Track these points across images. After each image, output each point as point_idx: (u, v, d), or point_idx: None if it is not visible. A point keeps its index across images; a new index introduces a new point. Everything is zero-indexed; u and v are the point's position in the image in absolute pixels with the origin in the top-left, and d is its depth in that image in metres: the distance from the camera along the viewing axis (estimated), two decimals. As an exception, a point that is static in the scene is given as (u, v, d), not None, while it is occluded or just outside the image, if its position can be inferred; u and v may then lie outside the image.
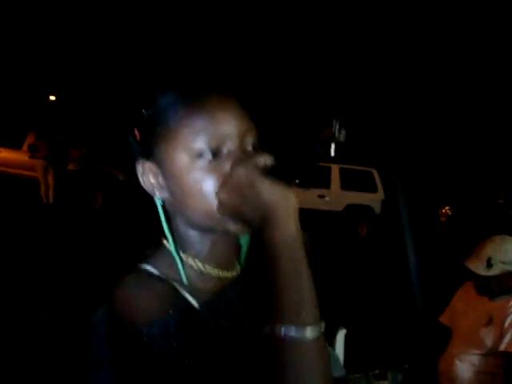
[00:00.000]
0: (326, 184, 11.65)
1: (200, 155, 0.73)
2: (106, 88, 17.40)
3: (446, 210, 8.02)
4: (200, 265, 0.80)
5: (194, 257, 0.80)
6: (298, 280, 0.65)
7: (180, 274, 0.78)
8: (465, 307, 2.59)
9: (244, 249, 0.89)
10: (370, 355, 3.23)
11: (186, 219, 0.79)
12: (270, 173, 0.68)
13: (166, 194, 0.79)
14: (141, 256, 0.82)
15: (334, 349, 3.03)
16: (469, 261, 2.45)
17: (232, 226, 0.75)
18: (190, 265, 0.80)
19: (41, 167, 10.26)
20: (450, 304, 2.74)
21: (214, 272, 0.81)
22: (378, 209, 11.07)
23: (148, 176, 0.79)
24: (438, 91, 16.56)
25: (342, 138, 0.68)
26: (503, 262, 2.35)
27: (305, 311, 0.64)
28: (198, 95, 0.77)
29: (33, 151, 10.38)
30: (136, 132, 0.81)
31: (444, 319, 2.72)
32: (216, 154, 0.74)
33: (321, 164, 11.71)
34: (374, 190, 11.31)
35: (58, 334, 3.73)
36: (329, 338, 3.05)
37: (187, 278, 0.78)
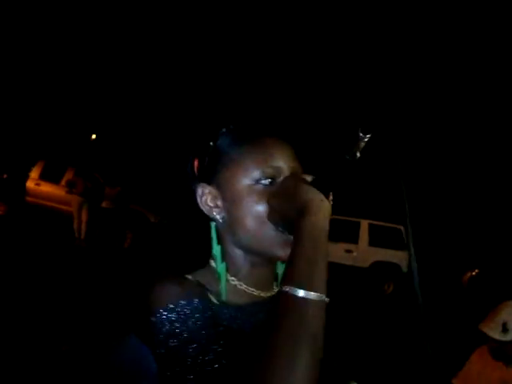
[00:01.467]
0: (354, 239, 11.58)
1: (258, 181, 0.89)
2: (144, 127, 17.92)
3: (473, 273, 7.86)
4: (237, 281, 0.93)
5: (235, 275, 0.93)
6: (315, 255, 0.74)
7: (220, 287, 0.91)
8: (479, 372, 2.57)
9: (280, 276, 0.99)
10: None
11: (235, 240, 0.92)
12: (311, 184, 0.83)
13: (222, 215, 0.92)
14: (185, 270, 0.95)
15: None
16: (484, 325, 2.44)
17: (279, 251, 0.87)
18: (229, 280, 0.93)
19: (76, 203, 10.59)
20: (464, 367, 2.71)
21: (249, 290, 0.93)
22: (405, 267, 10.92)
23: (207, 198, 0.93)
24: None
25: (365, 140, 0.79)
26: None
27: (314, 280, 0.72)
28: (258, 134, 0.94)
29: (70, 187, 10.76)
30: (196, 162, 0.97)
31: (457, 382, 2.69)
32: (272, 182, 0.89)
33: (350, 219, 11.70)
34: (402, 247, 11.16)
35: (77, 366, 3.79)
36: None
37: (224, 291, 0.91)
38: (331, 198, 0.84)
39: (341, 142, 0.83)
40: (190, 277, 0.92)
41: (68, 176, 11.59)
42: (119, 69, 18.96)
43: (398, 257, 11.11)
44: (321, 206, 0.78)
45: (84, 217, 10.66)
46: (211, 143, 0.95)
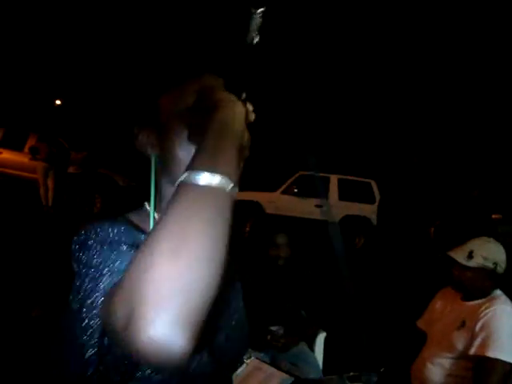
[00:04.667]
0: (324, 194, 11.68)
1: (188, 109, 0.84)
2: (107, 92, 17.52)
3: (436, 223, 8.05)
4: None
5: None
6: (221, 144, 0.67)
7: (150, 227, 0.88)
8: (440, 312, 2.63)
9: None
10: (348, 358, 3.25)
11: (170, 176, 0.89)
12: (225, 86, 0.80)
13: (157, 152, 0.91)
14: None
15: (313, 351, 3.06)
16: (451, 251, 2.48)
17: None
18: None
19: (41, 169, 10.33)
20: (427, 309, 2.77)
21: None
22: (375, 220, 11.10)
23: (143, 137, 0.92)
24: (423, 97, 16.65)
25: (259, 18, 0.74)
26: (484, 258, 2.38)
27: (219, 164, 0.64)
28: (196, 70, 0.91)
29: (34, 153, 10.47)
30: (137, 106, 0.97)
31: (421, 324, 2.75)
32: None
33: (319, 174, 11.78)
34: (372, 201, 11.31)
35: (47, 331, 3.76)
36: (309, 340, 3.09)
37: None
38: (244, 96, 0.79)
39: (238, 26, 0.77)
40: (121, 218, 0.89)
41: (31, 142, 11.26)
42: (81, 34, 18.33)
43: (368, 210, 11.26)
44: (229, 104, 0.73)
45: (50, 183, 10.42)
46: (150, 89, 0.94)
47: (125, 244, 0.79)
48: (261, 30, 0.74)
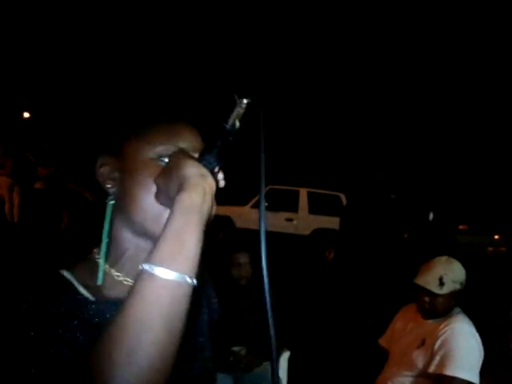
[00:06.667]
0: (294, 207, 11.73)
1: (160, 157, 0.85)
2: (77, 107, 17.34)
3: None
4: (115, 272, 0.88)
5: (115, 262, 0.88)
6: (184, 233, 0.69)
7: (98, 280, 0.86)
8: (402, 330, 2.64)
9: None
10: (311, 377, 3.24)
11: (125, 217, 0.87)
12: (198, 160, 0.78)
13: (115, 188, 0.89)
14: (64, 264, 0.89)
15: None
16: (420, 279, 2.48)
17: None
18: (109, 273, 0.88)
19: (6, 185, 10.12)
20: (389, 326, 2.79)
21: (128, 282, 0.87)
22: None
23: (105, 168, 0.90)
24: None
25: (242, 108, 0.76)
26: (453, 281, 2.42)
27: (177, 259, 0.67)
28: (167, 114, 0.92)
29: (-2, 168, 10.25)
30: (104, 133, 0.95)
31: (382, 342, 2.77)
32: None
33: (289, 188, 11.84)
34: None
35: None
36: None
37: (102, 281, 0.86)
38: (219, 172, 0.80)
39: (220, 110, 0.79)
40: (64, 272, 0.85)
41: (-5, 157, 11.02)
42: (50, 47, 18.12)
43: (337, 223, 11.32)
44: (199, 182, 0.73)
45: (16, 199, 10.22)
46: (120, 114, 0.94)
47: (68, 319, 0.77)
48: (243, 120, 0.75)
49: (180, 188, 0.72)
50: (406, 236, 5.35)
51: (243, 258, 2.92)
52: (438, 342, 2.30)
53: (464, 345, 2.27)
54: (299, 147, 17.07)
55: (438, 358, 2.27)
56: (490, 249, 12.73)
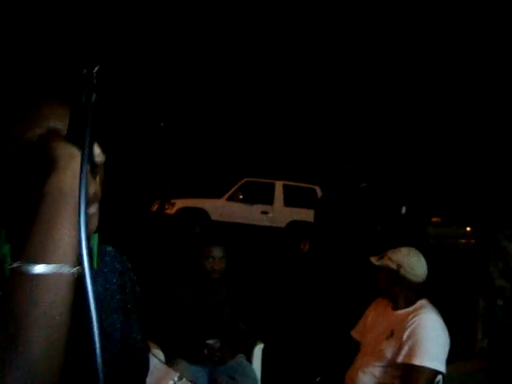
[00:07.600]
0: (270, 200, 11.78)
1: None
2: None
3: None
4: None
5: None
6: (55, 221, 0.65)
7: None
8: (373, 321, 2.70)
9: (95, 249, 0.90)
10: (285, 369, 3.29)
11: None
12: (66, 137, 0.73)
13: None
14: None
15: (251, 363, 3.08)
16: (380, 261, 2.60)
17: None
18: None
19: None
20: (361, 318, 2.84)
21: None
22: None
23: None
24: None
25: (92, 78, 0.72)
26: (390, 259, 2.53)
27: (49, 250, 0.63)
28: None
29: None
30: None
31: (354, 333, 2.82)
32: None
33: (264, 181, 11.87)
34: (317, 206, 11.47)
35: None
36: (247, 352, 3.10)
37: None
38: (93, 147, 0.72)
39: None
40: None
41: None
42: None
43: (312, 216, 11.41)
44: (69, 163, 0.68)
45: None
46: None
47: None
48: (99, 88, 0.71)
49: (49, 172, 0.68)
50: (379, 229, 5.43)
51: (217, 252, 2.93)
52: (406, 333, 2.35)
53: (431, 335, 2.33)
54: (275, 140, 17.10)
55: (406, 348, 2.32)
56: (462, 241, 13.00)
